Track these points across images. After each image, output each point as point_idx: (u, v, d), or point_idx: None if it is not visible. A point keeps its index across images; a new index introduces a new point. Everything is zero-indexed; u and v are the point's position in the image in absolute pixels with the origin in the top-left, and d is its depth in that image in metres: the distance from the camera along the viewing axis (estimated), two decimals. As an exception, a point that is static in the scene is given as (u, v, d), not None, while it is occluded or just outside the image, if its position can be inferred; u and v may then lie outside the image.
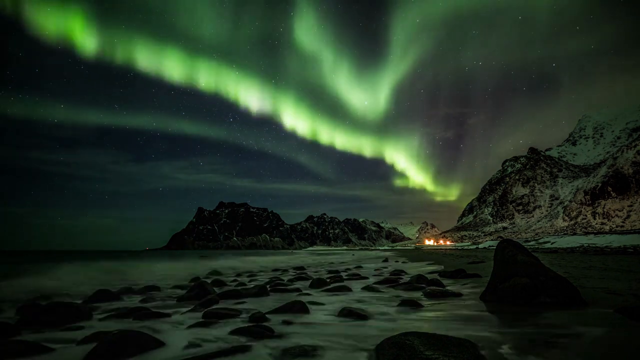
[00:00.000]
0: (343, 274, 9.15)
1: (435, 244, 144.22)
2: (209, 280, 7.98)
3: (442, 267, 12.13)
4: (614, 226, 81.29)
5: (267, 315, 3.65)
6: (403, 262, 16.94)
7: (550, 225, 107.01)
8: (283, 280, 7.89)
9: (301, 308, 3.82)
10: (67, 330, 3.30)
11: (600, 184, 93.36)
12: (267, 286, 5.90)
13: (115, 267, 15.36)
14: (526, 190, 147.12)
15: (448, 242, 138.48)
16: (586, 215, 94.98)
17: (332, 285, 6.13)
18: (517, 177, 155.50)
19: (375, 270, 11.46)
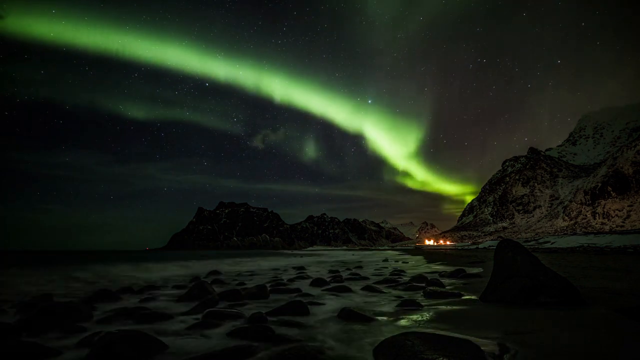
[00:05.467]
0: (343, 274, 9.15)
1: (436, 244, 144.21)
2: (209, 280, 7.98)
3: (442, 267, 12.13)
4: (614, 226, 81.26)
5: (267, 316, 3.65)
6: (403, 262, 16.94)
7: (550, 225, 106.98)
8: (283, 280, 7.88)
9: (301, 308, 3.82)
10: (67, 330, 3.30)
11: (600, 184, 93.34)
12: (267, 286, 5.89)
13: (115, 267, 15.37)
14: (526, 190, 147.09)
15: (448, 242, 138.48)
16: (586, 215, 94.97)
17: (332, 285, 6.13)
18: (517, 177, 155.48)
19: (375, 270, 11.46)
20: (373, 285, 6.25)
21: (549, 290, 3.88)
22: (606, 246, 29.07)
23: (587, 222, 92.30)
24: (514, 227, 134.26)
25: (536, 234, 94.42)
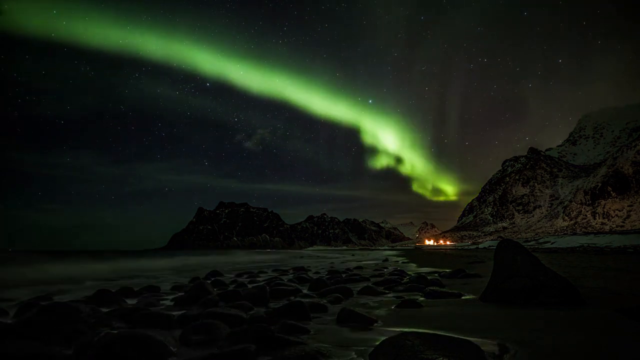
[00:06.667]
0: (343, 275, 9.15)
1: (436, 244, 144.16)
2: (208, 281, 7.98)
3: (442, 267, 12.14)
4: (614, 226, 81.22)
5: (267, 317, 3.66)
6: (403, 262, 16.95)
7: (550, 225, 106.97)
8: (283, 280, 7.88)
9: (301, 310, 3.82)
10: (66, 331, 3.30)
11: (600, 184, 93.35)
12: (267, 287, 5.89)
13: (115, 268, 15.38)
14: (526, 190, 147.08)
15: (448, 242, 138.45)
16: (586, 215, 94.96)
17: (332, 286, 6.13)
18: (517, 177, 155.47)
19: (375, 270, 11.46)
20: (373, 285, 6.25)
21: (549, 290, 3.88)
22: (606, 246, 29.06)
23: (587, 222, 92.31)
24: (514, 227, 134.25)
25: (536, 234, 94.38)
